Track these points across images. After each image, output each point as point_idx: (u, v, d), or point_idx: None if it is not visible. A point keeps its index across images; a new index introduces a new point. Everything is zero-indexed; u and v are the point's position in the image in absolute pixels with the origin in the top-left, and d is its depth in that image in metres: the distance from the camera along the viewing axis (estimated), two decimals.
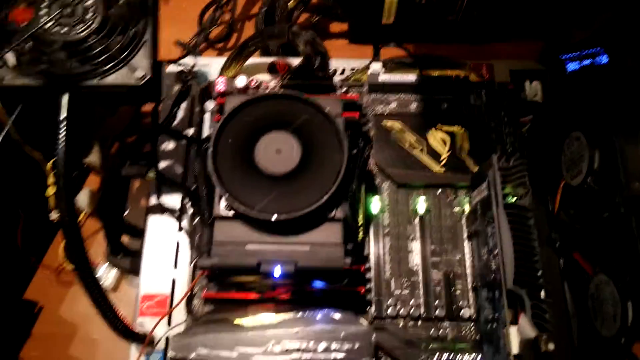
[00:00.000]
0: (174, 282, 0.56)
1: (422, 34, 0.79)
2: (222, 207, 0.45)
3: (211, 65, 0.70)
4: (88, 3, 0.48)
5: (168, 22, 0.82)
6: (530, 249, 0.48)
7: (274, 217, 0.42)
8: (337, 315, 0.49)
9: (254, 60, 0.70)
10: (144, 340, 0.52)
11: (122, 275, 0.66)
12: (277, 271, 0.43)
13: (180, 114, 0.66)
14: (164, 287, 0.56)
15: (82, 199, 0.66)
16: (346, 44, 0.83)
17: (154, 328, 0.53)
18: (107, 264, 0.64)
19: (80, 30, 0.47)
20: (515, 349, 0.44)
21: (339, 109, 0.50)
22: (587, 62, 0.72)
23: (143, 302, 0.56)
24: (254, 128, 0.46)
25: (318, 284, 0.46)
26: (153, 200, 0.60)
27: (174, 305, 0.54)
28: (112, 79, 0.47)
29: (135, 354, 0.54)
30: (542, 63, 0.71)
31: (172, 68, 0.69)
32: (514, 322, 0.45)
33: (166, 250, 0.57)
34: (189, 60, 0.70)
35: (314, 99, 0.47)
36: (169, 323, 0.54)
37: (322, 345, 0.47)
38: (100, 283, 0.64)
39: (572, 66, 0.72)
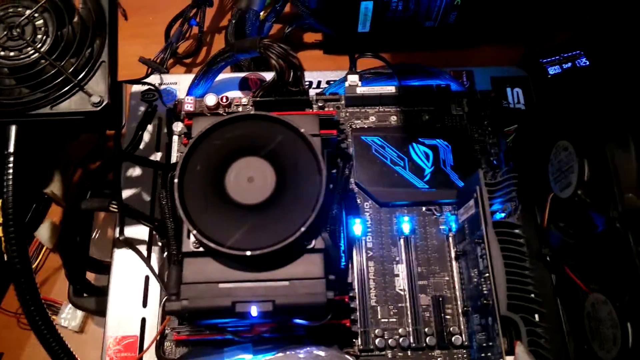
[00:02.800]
0: (143, 321, 0.52)
1: (400, 42, 0.77)
2: (191, 242, 0.41)
3: (179, 82, 0.66)
4: (38, 23, 0.44)
5: (133, 38, 0.79)
6: (523, 269, 0.45)
7: (248, 253, 0.39)
8: (321, 352, 0.46)
9: (225, 76, 0.66)
10: None
11: (87, 315, 0.61)
12: (254, 311, 0.40)
13: (147, 137, 0.62)
14: (133, 328, 0.52)
15: (43, 233, 0.62)
16: (321, 55, 0.79)
17: None
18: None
19: (30, 53, 0.43)
20: None
21: (315, 128, 0.46)
22: (567, 65, 0.71)
23: (110, 345, 0.52)
24: (224, 154, 0.42)
25: (300, 321, 0.42)
26: (118, 234, 0.56)
27: (144, 349, 0.50)
28: (66, 105, 0.43)
29: None
30: (523, 67, 0.69)
31: (137, 88, 0.65)
32: (510, 352, 0.42)
33: (134, 288, 0.53)
34: (154, 79, 0.66)
35: (289, 118, 0.43)
36: None
37: None
38: (63, 324, 0.60)
39: (553, 70, 0.70)
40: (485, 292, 0.46)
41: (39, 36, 0.43)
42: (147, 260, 0.48)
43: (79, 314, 0.61)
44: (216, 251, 0.39)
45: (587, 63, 0.70)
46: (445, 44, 0.76)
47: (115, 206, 0.48)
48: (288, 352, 0.45)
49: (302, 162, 0.42)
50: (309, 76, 0.67)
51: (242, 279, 0.40)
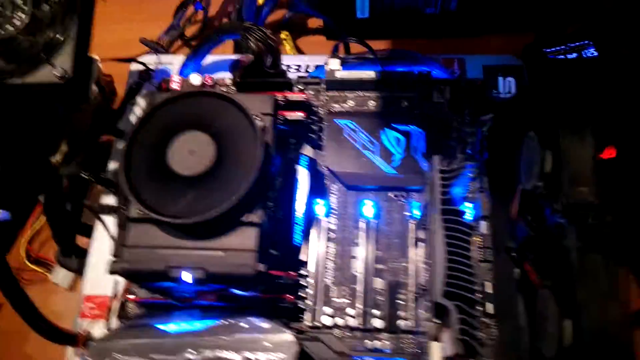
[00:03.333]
0: (116, 283, 0.56)
1: (400, 29, 0.76)
2: (134, 209, 0.43)
3: (176, 63, 0.69)
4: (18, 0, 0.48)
5: (149, 22, 0.83)
6: (469, 259, 0.44)
7: (179, 221, 0.41)
8: (264, 324, 0.47)
9: (221, 57, 0.68)
10: (75, 342, 0.51)
11: (78, 275, 0.66)
12: (186, 277, 0.42)
13: (138, 113, 0.65)
14: (106, 288, 0.56)
15: None
16: (323, 40, 0.80)
17: (87, 331, 0.53)
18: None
19: (9, 27, 0.47)
20: None
21: (268, 107, 0.47)
22: (572, 55, 0.67)
23: (84, 303, 0.56)
24: (171, 128, 0.44)
25: (236, 291, 0.44)
26: (104, 200, 0.60)
27: (111, 304, 0.53)
28: (34, 77, 0.46)
29: (72, 353, 0.53)
30: (525, 58, 0.66)
31: (136, 67, 0.68)
32: (437, 338, 0.41)
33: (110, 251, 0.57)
34: (153, 59, 0.70)
35: (236, 96, 0.45)
36: (108, 326, 0.54)
37: (243, 355, 0.45)
38: (55, 282, 0.65)
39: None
40: (427, 278, 0.45)
41: (19, 12, 0.47)
42: (104, 223, 0.51)
43: (70, 273, 0.65)
44: (156, 219, 0.41)
45: (596, 54, 0.67)
46: (447, 31, 0.74)
47: (87, 174, 0.51)
48: (231, 320, 0.47)
49: (244, 139, 0.43)
50: (300, 60, 0.68)
51: (179, 245, 0.42)
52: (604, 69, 0.63)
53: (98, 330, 0.53)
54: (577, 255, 0.38)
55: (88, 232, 0.63)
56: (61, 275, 0.65)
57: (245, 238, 0.42)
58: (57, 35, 0.47)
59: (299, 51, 0.78)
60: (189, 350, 0.45)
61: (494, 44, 0.73)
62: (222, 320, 0.47)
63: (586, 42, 0.67)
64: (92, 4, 0.51)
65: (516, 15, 0.73)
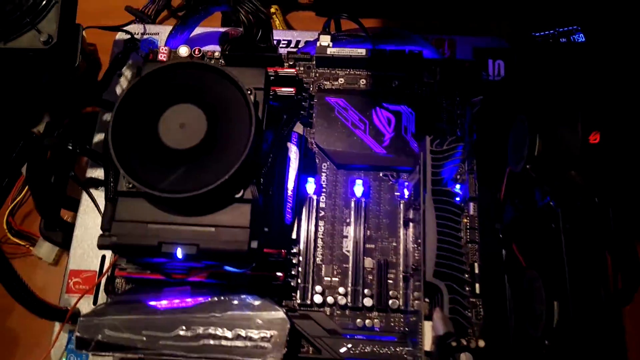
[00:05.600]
0: (103, 258, 0.55)
1: (391, 9, 0.75)
2: (125, 182, 0.42)
3: (162, 33, 0.67)
4: None
5: None
6: (458, 239, 0.45)
7: (171, 195, 0.40)
8: (256, 302, 0.47)
9: (209, 29, 0.67)
10: (63, 318, 0.51)
11: (62, 250, 0.65)
12: (179, 253, 0.41)
13: (125, 85, 0.63)
14: (93, 263, 0.55)
15: None
16: (313, 16, 0.79)
17: (74, 306, 0.52)
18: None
19: None
20: (427, 345, 0.41)
21: (260, 82, 0.47)
22: (562, 40, 0.68)
23: (71, 277, 0.55)
24: (162, 100, 0.43)
25: (228, 268, 0.44)
26: (89, 173, 0.59)
27: (98, 279, 0.53)
28: (18, 42, 0.45)
29: (58, 328, 0.53)
30: (513, 40, 0.66)
31: (121, 36, 0.66)
32: (430, 317, 0.42)
33: (98, 225, 0.56)
34: (138, 28, 0.68)
35: (228, 69, 0.44)
36: (95, 302, 0.53)
37: (235, 332, 0.45)
38: (38, 256, 0.64)
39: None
40: (417, 257, 0.46)
41: None
42: (92, 196, 0.50)
43: (54, 247, 0.64)
44: (146, 192, 0.41)
45: (584, 39, 0.67)
46: (437, 13, 0.74)
47: (71, 145, 0.50)
48: (222, 297, 0.47)
49: (237, 114, 0.43)
50: (290, 35, 0.67)
51: (171, 221, 0.42)
52: (592, 54, 0.64)
53: (85, 305, 0.53)
54: (565, 237, 0.39)
55: (73, 205, 0.62)
56: (44, 249, 0.63)
57: (238, 214, 0.42)
58: None
59: (289, 26, 0.76)
60: (181, 327, 0.45)
61: (484, 27, 0.73)
62: (213, 297, 0.47)
63: (574, 27, 0.67)
64: None
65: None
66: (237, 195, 0.42)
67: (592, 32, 0.66)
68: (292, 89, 0.53)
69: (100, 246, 0.42)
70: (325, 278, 0.52)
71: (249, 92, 0.44)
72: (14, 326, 0.63)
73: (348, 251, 0.53)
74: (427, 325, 0.42)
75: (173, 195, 0.40)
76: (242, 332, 0.45)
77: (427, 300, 0.43)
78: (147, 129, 0.42)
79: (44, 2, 0.45)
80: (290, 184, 0.52)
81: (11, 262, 0.62)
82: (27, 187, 0.69)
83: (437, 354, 0.40)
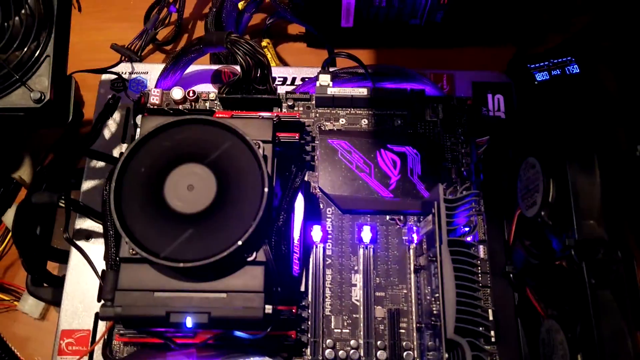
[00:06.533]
0: (97, 316, 0.52)
1: (384, 39, 0.74)
2: (128, 247, 0.40)
3: (150, 72, 0.65)
4: None
5: (112, 22, 0.77)
6: (475, 291, 0.44)
7: (181, 265, 0.38)
8: None
9: (199, 67, 0.64)
10: None
11: (50, 305, 0.61)
12: (189, 323, 0.39)
13: (113, 128, 0.60)
14: (86, 322, 0.52)
15: (10, 217, 0.61)
16: (304, 48, 0.77)
17: None
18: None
19: None
20: None
21: (268, 134, 0.45)
22: (556, 72, 0.68)
23: (62, 338, 0.52)
24: (167, 158, 0.41)
25: (240, 334, 0.41)
26: (79, 225, 0.56)
27: (93, 345, 0.49)
28: (7, 100, 0.41)
29: None
30: (510, 73, 0.66)
31: (107, 76, 0.63)
32: None
33: (90, 282, 0.53)
34: (126, 67, 0.65)
35: (237, 124, 0.42)
36: None
37: None
38: (24, 311, 0.60)
39: (540, 77, 0.67)
40: (435, 312, 0.44)
41: None
42: (89, 260, 0.47)
43: (41, 302, 0.60)
44: (153, 261, 0.38)
45: (578, 70, 0.67)
46: (432, 42, 0.73)
47: (63, 202, 0.47)
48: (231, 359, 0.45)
49: (247, 172, 0.40)
50: (284, 72, 0.65)
51: (179, 288, 0.40)
52: (588, 87, 0.64)
53: None
54: (591, 292, 0.38)
55: (59, 256, 0.59)
56: (30, 304, 0.60)
57: (250, 278, 0.40)
58: (32, 52, 0.42)
59: (280, 59, 0.75)
60: None
61: (479, 55, 0.73)
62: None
63: (569, 58, 0.68)
64: (69, 13, 0.46)
65: (500, 29, 0.73)
66: (250, 259, 0.40)
67: (585, 62, 0.67)
68: (295, 135, 0.51)
69: (104, 318, 0.39)
70: (336, 330, 0.50)
71: (257, 146, 0.42)
72: None
73: (357, 300, 0.51)
74: None
75: (185, 264, 0.37)
76: None
77: (447, 356, 0.42)
78: (150, 190, 0.40)
79: (35, 57, 0.42)
80: (296, 234, 0.50)
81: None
82: (8, 237, 0.65)
83: None
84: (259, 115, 0.52)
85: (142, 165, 0.41)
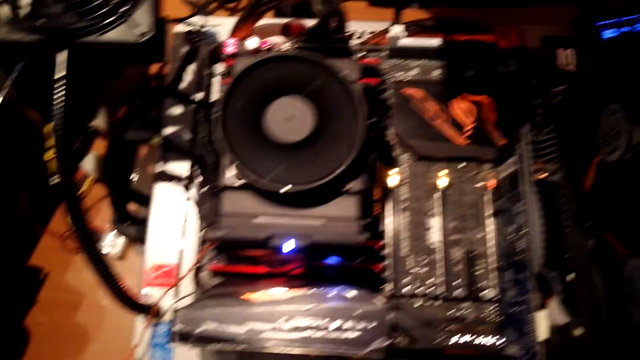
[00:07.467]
0: (181, 252, 0.54)
1: None
2: (230, 176, 0.42)
3: (222, 25, 0.66)
4: None
5: None
6: (561, 229, 0.45)
7: (284, 189, 0.39)
8: (351, 293, 0.47)
9: (267, 21, 0.66)
10: (149, 311, 0.50)
11: (129, 243, 0.64)
12: (290, 245, 0.41)
13: (189, 77, 0.62)
14: (171, 257, 0.54)
15: (88, 164, 0.64)
16: (366, 6, 0.78)
17: (160, 300, 0.51)
18: (114, 231, 0.63)
19: None
20: (543, 334, 0.41)
21: (357, 74, 0.46)
22: (625, 29, 0.67)
23: (149, 272, 0.54)
24: (265, 92, 0.42)
25: (332, 259, 0.43)
26: (160, 167, 0.58)
27: (181, 276, 0.52)
28: (111, 35, 0.43)
29: (142, 324, 0.52)
30: (576, 30, 0.66)
31: (180, 28, 0.65)
32: (543, 306, 0.42)
33: (173, 220, 0.55)
34: (198, 20, 0.66)
35: (331, 61, 0.43)
36: (176, 295, 0.53)
37: (335, 324, 0.45)
38: (105, 251, 0.63)
39: (608, 34, 0.67)
40: (521, 248, 0.46)
41: None
42: (187, 190, 0.49)
43: (120, 241, 0.63)
44: (254, 186, 0.40)
45: None
46: (498, 1, 0.73)
47: (158, 139, 0.49)
48: (320, 289, 0.46)
49: (341, 105, 0.42)
50: (352, 26, 0.66)
51: (279, 213, 0.41)
52: None
53: (166, 299, 0.52)
54: None
55: (139, 199, 0.61)
56: (111, 244, 0.63)
57: (347, 206, 0.42)
58: None
59: None
60: (281, 319, 0.45)
61: (546, 15, 0.73)
62: (311, 289, 0.46)
63: (638, 15, 0.67)
64: None
65: None
66: (346, 188, 0.41)
67: None
68: (375, 80, 0.52)
69: (208, 240, 0.41)
70: (414, 269, 0.52)
71: (351, 82, 0.43)
72: (83, 322, 0.62)
73: (434, 242, 0.52)
74: (542, 315, 0.41)
75: (291, 189, 0.39)
76: (344, 324, 0.45)
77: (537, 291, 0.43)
78: (252, 122, 0.41)
79: None
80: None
81: (74, 258, 0.61)
82: (86, 183, 0.68)
83: (557, 343, 0.40)
84: None
85: (238, 100, 0.43)
